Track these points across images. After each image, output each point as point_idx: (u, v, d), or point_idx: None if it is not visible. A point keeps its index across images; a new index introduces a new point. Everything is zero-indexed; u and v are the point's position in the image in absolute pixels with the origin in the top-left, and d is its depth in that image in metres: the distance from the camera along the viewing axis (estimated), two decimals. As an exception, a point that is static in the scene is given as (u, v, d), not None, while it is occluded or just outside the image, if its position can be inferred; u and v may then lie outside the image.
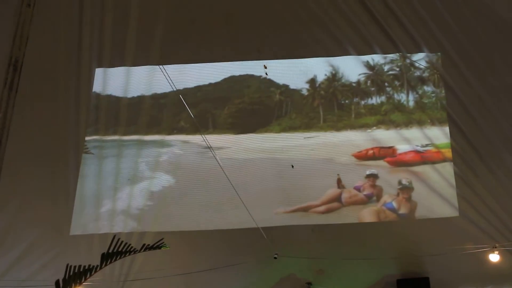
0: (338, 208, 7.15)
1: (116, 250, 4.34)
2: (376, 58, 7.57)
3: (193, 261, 6.77)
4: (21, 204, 6.93)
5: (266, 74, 7.61)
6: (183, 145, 7.55)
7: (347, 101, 7.63)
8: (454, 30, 7.32)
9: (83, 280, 4.16)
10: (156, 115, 7.66)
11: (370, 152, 7.31)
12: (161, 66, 7.34)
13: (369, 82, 7.61)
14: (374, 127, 7.39)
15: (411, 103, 7.46)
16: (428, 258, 6.79)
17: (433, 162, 7.15)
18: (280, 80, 7.70)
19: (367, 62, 7.58)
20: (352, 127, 7.44)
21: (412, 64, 7.51)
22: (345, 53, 7.49)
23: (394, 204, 7.08)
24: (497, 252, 6.61)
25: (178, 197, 7.27)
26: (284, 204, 7.14)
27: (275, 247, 6.82)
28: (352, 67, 7.60)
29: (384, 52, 7.50)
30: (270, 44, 7.60)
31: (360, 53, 7.51)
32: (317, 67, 7.67)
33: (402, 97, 7.51)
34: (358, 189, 7.21)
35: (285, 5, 7.57)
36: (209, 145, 7.18)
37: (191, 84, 7.68)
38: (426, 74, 7.50)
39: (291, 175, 7.24)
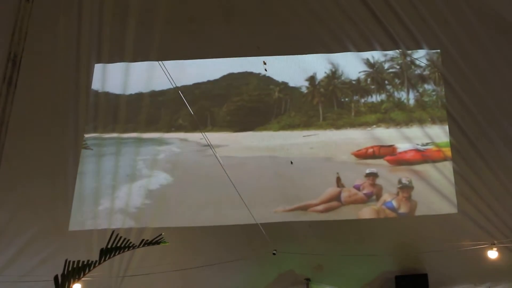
0: (337, 207, 7.13)
1: (115, 246, 4.34)
2: (376, 56, 7.54)
3: (191, 257, 6.77)
4: (20, 200, 6.92)
5: (266, 70, 7.59)
6: (181, 143, 7.51)
7: (347, 99, 7.59)
8: (454, 27, 7.31)
9: (82, 275, 4.18)
10: (154, 113, 7.63)
11: (370, 150, 7.29)
12: (160, 62, 7.34)
13: (369, 80, 7.58)
14: (374, 126, 7.37)
15: (412, 102, 7.44)
16: (426, 254, 6.79)
17: (433, 161, 7.12)
18: (279, 77, 7.67)
19: (367, 59, 7.55)
20: (352, 125, 7.41)
21: (412, 62, 7.49)
22: (345, 49, 7.47)
23: (394, 203, 7.07)
24: (495, 248, 6.62)
25: (176, 195, 7.23)
26: (283, 203, 7.12)
27: (273, 243, 6.82)
28: (352, 65, 7.57)
29: (384, 48, 7.49)
30: (270, 40, 7.58)
31: (359, 49, 7.49)
32: (316, 65, 7.63)
33: (402, 95, 7.48)
34: (357, 188, 7.18)
35: (285, 1, 7.55)
36: (209, 143, 7.17)
37: (189, 81, 7.65)
38: (426, 72, 7.48)
39: (290, 173, 7.23)
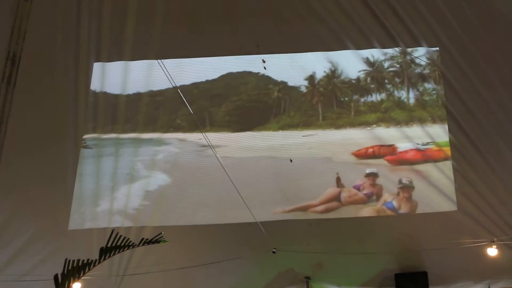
0: (337, 208, 7.11)
1: (114, 245, 4.34)
2: (376, 55, 7.52)
3: (191, 256, 6.77)
4: (20, 198, 6.91)
5: (265, 68, 7.58)
6: (179, 143, 7.48)
7: (346, 99, 7.56)
8: (453, 25, 7.31)
9: (81, 274, 4.17)
10: (152, 113, 7.61)
11: (370, 150, 7.25)
12: (159, 61, 7.34)
13: (369, 79, 7.55)
14: (374, 125, 7.34)
15: (412, 101, 7.41)
16: (426, 252, 6.80)
17: (434, 160, 7.09)
18: (278, 77, 7.65)
19: (367, 58, 7.53)
20: (352, 125, 7.38)
21: (412, 60, 7.48)
22: (344, 47, 7.46)
23: (395, 203, 7.05)
24: (495, 246, 6.63)
25: (175, 196, 7.21)
26: (282, 204, 7.10)
27: (273, 241, 6.82)
28: (351, 64, 7.55)
29: (383, 46, 7.47)
30: (269, 38, 7.57)
31: (358, 47, 7.48)
32: (316, 64, 7.61)
33: (402, 94, 7.45)
34: (357, 188, 7.15)
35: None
36: (209, 144, 7.18)
37: (187, 81, 7.63)
38: (426, 71, 7.46)
39: (289, 174, 7.21)
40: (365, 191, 7.12)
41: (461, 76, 7.20)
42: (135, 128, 7.51)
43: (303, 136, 7.38)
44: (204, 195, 7.18)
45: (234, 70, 7.70)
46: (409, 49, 7.47)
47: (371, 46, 7.48)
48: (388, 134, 7.29)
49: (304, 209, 7.09)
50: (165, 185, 7.28)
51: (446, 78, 7.27)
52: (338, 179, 7.18)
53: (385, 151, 7.25)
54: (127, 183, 7.26)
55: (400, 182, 7.10)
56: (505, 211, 6.77)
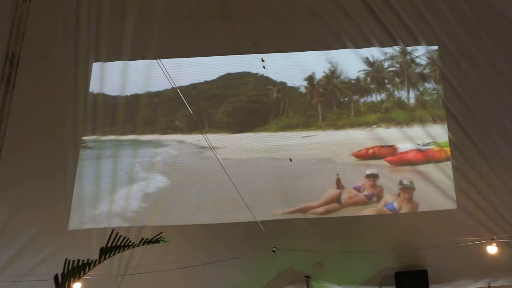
0: (337, 209, 7.07)
1: (114, 245, 4.34)
2: (375, 55, 7.50)
3: (191, 255, 6.78)
4: (20, 199, 6.92)
5: (264, 67, 7.57)
6: (178, 145, 7.45)
7: (346, 99, 7.53)
8: (452, 23, 7.31)
9: (82, 274, 4.17)
10: (151, 115, 7.59)
11: (370, 151, 7.21)
12: (158, 61, 7.34)
13: (369, 79, 7.52)
14: (374, 125, 7.30)
15: (412, 101, 7.39)
16: (426, 250, 6.81)
17: (435, 161, 7.06)
18: (277, 77, 7.63)
19: (367, 58, 7.51)
20: (352, 125, 7.33)
21: (412, 60, 7.46)
22: (343, 46, 7.45)
23: (395, 204, 7.03)
24: (495, 244, 6.63)
25: (174, 197, 7.19)
26: (282, 205, 7.09)
27: (273, 240, 6.82)
28: (351, 64, 7.53)
29: (382, 45, 7.47)
30: (268, 37, 7.57)
31: (357, 46, 7.48)
32: (315, 64, 7.58)
33: (402, 94, 7.42)
34: (358, 189, 7.12)
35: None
36: (210, 145, 7.17)
37: (186, 82, 7.62)
38: (427, 71, 7.43)
39: (289, 175, 7.18)
40: (365, 192, 7.09)
41: (460, 75, 7.20)
42: (133, 130, 7.49)
43: (303, 137, 7.35)
44: (204, 196, 7.16)
45: (233, 71, 7.68)
46: (408, 48, 7.46)
47: (370, 45, 7.47)
48: (388, 134, 7.25)
49: (304, 210, 7.07)
50: (164, 187, 7.25)
51: (445, 76, 7.26)
52: (338, 180, 7.15)
53: (386, 152, 7.21)
54: (126, 185, 7.24)
55: (400, 183, 7.07)
56: (505, 209, 6.78)
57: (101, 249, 4.31)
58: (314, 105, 7.49)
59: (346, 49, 7.51)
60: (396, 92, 7.43)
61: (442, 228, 6.84)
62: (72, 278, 4.07)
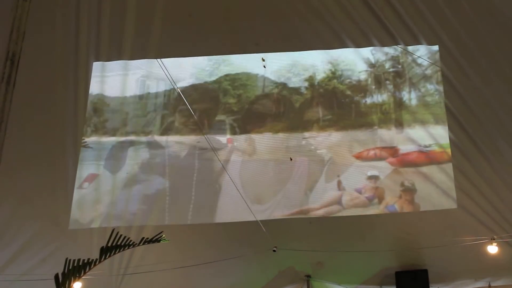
0: (338, 212, 7.06)
1: (115, 244, 4.34)
2: (377, 55, 7.50)
3: (192, 255, 6.78)
4: (20, 199, 6.92)
5: (264, 66, 7.56)
6: (177, 146, 7.43)
7: (347, 100, 7.53)
8: (452, 22, 7.31)
9: (82, 273, 4.17)
10: (151, 115, 7.59)
11: (372, 152, 7.17)
12: (159, 60, 7.34)
13: (370, 79, 7.51)
14: (376, 126, 7.30)
15: (414, 101, 7.36)
16: (426, 250, 6.80)
17: (437, 162, 7.02)
18: (278, 78, 7.63)
19: (368, 59, 7.50)
20: (353, 126, 7.30)
21: (414, 60, 7.44)
22: (343, 45, 7.46)
23: (397, 206, 7.00)
24: (495, 244, 6.62)
25: (174, 198, 7.16)
26: (282, 206, 7.08)
27: (274, 240, 6.82)
28: (352, 64, 7.53)
29: (382, 44, 7.46)
30: (268, 37, 7.56)
31: (358, 45, 7.48)
32: (316, 64, 7.58)
33: (404, 95, 7.40)
34: (359, 191, 7.08)
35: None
36: (211, 146, 7.17)
37: (186, 82, 7.62)
38: (428, 71, 7.41)
39: (290, 176, 7.17)
40: (366, 194, 7.06)
41: (460, 74, 7.20)
42: (134, 130, 7.49)
43: (304, 138, 7.33)
44: (204, 196, 7.15)
45: (234, 71, 7.67)
46: (409, 48, 7.44)
47: (371, 44, 7.47)
48: (389, 135, 7.24)
49: (305, 212, 7.05)
50: (164, 188, 7.21)
51: (445, 75, 7.25)
52: (339, 182, 7.13)
53: (387, 153, 7.18)
54: (126, 186, 7.22)
55: (402, 184, 7.05)
56: (505, 208, 6.78)
57: (102, 248, 4.31)
58: (314, 106, 7.46)
59: (347, 49, 7.51)
60: (397, 93, 7.40)
61: (442, 228, 6.84)
62: (72, 278, 4.07)
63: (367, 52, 7.52)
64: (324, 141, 7.29)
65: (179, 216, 7.07)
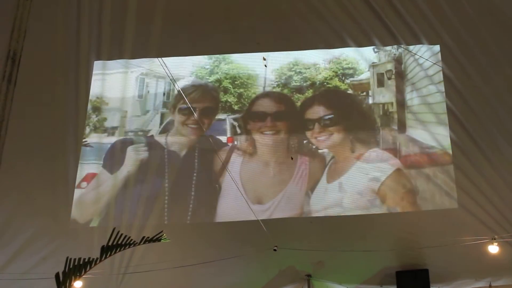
0: (340, 213, 7.03)
1: (115, 243, 4.34)
2: (379, 54, 7.48)
3: (193, 254, 6.77)
4: (21, 197, 6.93)
5: (265, 66, 7.56)
6: (176, 145, 7.40)
7: (349, 99, 7.48)
8: (453, 22, 7.31)
9: (83, 272, 4.16)
10: (150, 116, 7.58)
11: (374, 153, 7.17)
12: (160, 59, 7.34)
13: (372, 79, 7.49)
14: (378, 127, 7.27)
15: (416, 101, 7.33)
16: (427, 250, 6.79)
17: (439, 163, 7.01)
18: (279, 77, 7.59)
19: (370, 58, 7.49)
20: (355, 126, 7.26)
21: (415, 60, 7.41)
22: (344, 44, 7.46)
23: (399, 209, 6.98)
24: (496, 243, 6.60)
25: (174, 197, 7.15)
26: (283, 207, 7.05)
27: (274, 239, 6.82)
28: (354, 63, 7.51)
29: (383, 43, 7.46)
30: (269, 36, 7.56)
31: (359, 45, 7.47)
32: (317, 63, 7.57)
33: (406, 95, 7.36)
34: (360, 193, 7.10)
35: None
36: (213, 146, 7.16)
37: (187, 81, 7.61)
38: (430, 71, 7.38)
39: (291, 177, 7.14)
40: (368, 196, 7.05)
41: (461, 73, 7.19)
42: (132, 130, 7.48)
43: (305, 137, 7.32)
44: (203, 197, 7.14)
45: (235, 70, 7.66)
46: (410, 47, 7.44)
47: (372, 44, 7.47)
48: (392, 136, 7.21)
49: (307, 214, 7.04)
50: (164, 187, 7.19)
51: (446, 75, 7.25)
52: (340, 184, 7.12)
53: (389, 154, 7.14)
54: (124, 186, 7.21)
55: (404, 186, 7.03)
56: (506, 208, 6.76)
57: (102, 247, 4.31)
58: (316, 105, 7.43)
59: (348, 48, 7.50)
60: (399, 93, 7.38)
61: (443, 228, 6.83)
62: (73, 277, 4.06)
63: (369, 51, 7.51)
64: (326, 141, 7.26)
65: (178, 216, 7.05)
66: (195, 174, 7.23)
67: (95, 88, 7.56)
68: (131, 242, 4.43)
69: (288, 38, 7.58)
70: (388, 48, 7.52)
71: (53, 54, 7.42)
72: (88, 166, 7.30)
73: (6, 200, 6.87)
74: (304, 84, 7.55)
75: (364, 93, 7.52)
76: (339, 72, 7.55)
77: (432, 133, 7.14)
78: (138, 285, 6.87)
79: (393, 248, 6.88)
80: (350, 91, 7.51)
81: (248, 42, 7.59)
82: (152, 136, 7.47)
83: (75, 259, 4.11)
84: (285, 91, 7.58)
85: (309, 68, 7.59)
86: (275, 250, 6.81)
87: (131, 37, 7.53)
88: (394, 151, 7.16)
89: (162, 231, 4.57)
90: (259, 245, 6.83)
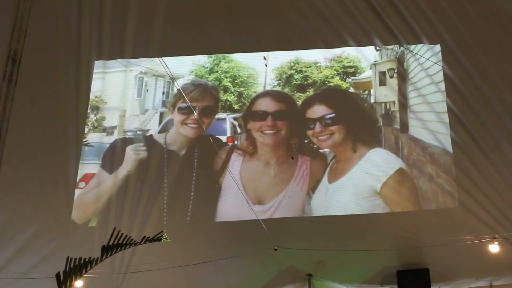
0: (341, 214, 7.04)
1: (116, 243, 4.34)
2: (380, 53, 7.48)
3: (193, 253, 6.77)
4: (21, 196, 6.93)
5: (266, 65, 7.56)
6: (176, 144, 7.37)
7: (350, 98, 7.47)
8: (454, 21, 7.30)
9: (83, 272, 4.17)
10: (148, 113, 7.58)
11: (376, 153, 7.10)
12: (160, 59, 7.34)
13: (373, 77, 7.48)
14: (380, 126, 7.27)
15: (417, 101, 7.33)
16: (428, 249, 6.79)
17: (443, 163, 6.94)
18: (280, 75, 7.58)
19: (372, 56, 7.49)
20: (356, 125, 7.24)
21: (416, 59, 7.41)
22: (345, 44, 7.45)
23: (401, 210, 6.96)
24: (496, 242, 6.60)
25: (175, 197, 7.13)
26: (284, 208, 7.03)
27: (275, 239, 6.82)
28: (356, 61, 7.50)
29: (384, 43, 7.46)
30: (270, 35, 7.56)
31: (359, 44, 7.47)
32: (319, 61, 7.56)
33: (407, 94, 7.34)
34: (362, 193, 6.99)
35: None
36: (214, 146, 7.16)
37: (185, 80, 7.60)
38: (430, 71, 7.36)
39: (291, 176, 7.14)
40: (370, 197, 6.95)
41: (462, 73, 7.19)
42: (131, 129, 7.48)
43: (306, 137, 7.30)
44: (203, 196, 7.13)
45: (234, 68, 7.66)
46: (411, 47, 7.43)
47: (373, 43, 7.46)
48: (393, 135, 7.18)
49: (308, 214, 7.02)
50: (165, 187, 7.17)
51: (447, 74, 7.24)
52: (341, 184, 7.07)
53: (391, 153, 7.12)
54: (123, 186, 7.20)
55: (407, 186, 6.95)
56: (507, 207, 6.75)
57: (103, 247, 4.32)
58: (317, 104, 7.41)
59: (348, 48, 7.50)
60: (400, 92, 7.37)
61: (443, 227, 6.83)
62: (74, 276, 4.06)
63: (370, 49, 7.50)
64: (327, 140, 7.23)
65: (178, 216, 7.05)
66: (194, 174, 7.22)
67: (94, 87, 7.55)
68: (132, 242, 4.43)
69: (289, 37, 7.58)
70: (390, 46, 7.50)
71: (54, 54, 7.42)
72: (88, 166, 7.29)
73: (7, 200, 6.86)
74: (305, 82, 7.54)
75: (366, 92, 7.52)
76: (340, 70, 7.54)
77: (434, 132, 7.12)
78: (138, 284, 6.87)
79: (394, 248, 6.88)
80: (351, 90, 7.51)
81: (248, 42, 7.58)
82: (151, 135, 7.46)
83: (75, 259, 4.11)
84: (286, 89, 7.57)
85: (310, 67, 7.58)
86: (275, 249, 6.81)
87: (132, 36, 7.53)
88: (397, 150, 7.14)
89: (162, 231, 4.57)
90: (259, 244, 6.83)
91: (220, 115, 7.53)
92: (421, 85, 7.36)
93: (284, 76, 7.61)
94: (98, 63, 7.58)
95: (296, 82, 7.57)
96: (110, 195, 7.14)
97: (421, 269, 6.87)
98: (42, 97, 7.32)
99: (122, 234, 4.37)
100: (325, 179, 7.11)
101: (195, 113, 7.37)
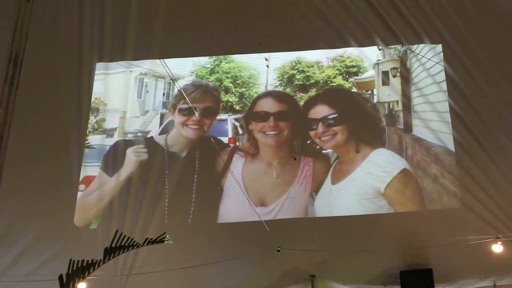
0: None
1: (119, 245, 4.34)
2: (381, 54, 7.47)
3: (196, 255, 6.77)
4: (24, 199, 6.93)
5: (268, 66, 7.55)
6: (177, 146, 7.37)
7: (353, 98, 7.46)
8: (455, 21, 7.30)
9: (86, 274, 4.17)
10: (149, 114, 7.57)
11: (379, 154, 7.10)
12: (161, 60, 7.34)
13: (376, 77, 7.47)
14: (383, 126, 7.26)
15: (419, 100, 7.32)
16: (431, 249, 6.78)
17: (447, 163, 6.94)
18: (281, 75, 7.58)
19: (374, 56, 7.48)
20: (359, 125, 7.23)
21: (418, 60, 7.40)
22: (346, 44, 7.45)
23: (403, 206, 6.95)
24: (500, 242, 6.60)
25: (176, 198, 7.14)
26: (287, 209, 7.02)
27: (277, 240, 6.81)
28: (358, 61, 7.50)
29: (386, 43, 7.45)
30: (271, 36, 7.56)
31: (361, 44, 7.46)
32: (321, 61, 7.56)
33: (409, 94, 7.31)
34: (366, 195, 6.98)
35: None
36: (216, 147, 7.15)
37: (185, 81, 7.61)
38: (432, 71, 7.35)
39: (294, 178, 7.14)
40: (373, 198, 6.96)
41: (464, 73, 7.18)
42: (132, 131, 7.48)
43: (308, 137, 7.29)
44: (204, 198, 7.12)
45: (235, 68, 7.65)
46: (413, 47, 7.42)
47: (374, 44, 7.45)
48: (397, 135, 7.18)
49: (311, 216, 7.01)
50: (166, 188, 7.17)
51: (449, 74, 7.23)
52: (345, 185, 7.05)
53: (394, 153, 7.10)
54: (124, 188, 7.19)
55: (411, 187, 6.93)
56: (510, 207, 6.75)
57: (106, 249, 4.31)
58: (319, 104, 7.39)
59: (349, 48, 7.49)
60: (403, 92, 7.36)
61: (447, 227, 6.82)
62: (76, 278, 4.07)
63: (373, 48, 7.49)
64: (330, 141, 7.21)
65: (180, 218, 7.04)
66: (195, 176, 7.20)
67: (94, 89, 7.55)
68: (134, 244, 4.43)
69: (290, 38, 7.57)
70: (392, 46, 7.49)
71: (55, 56, 7.42)
72: (90, 168, 7.29)
73: (10, 203, 6.86)
74: (308, 82, 7.52)
75: (369, 92, 7.51)
76: (342, 70, 7.52)
77: (436, 132, 7.11)
78: (141, 286, 6.87)
79: (397, 248, 6.87)
80: (354, 90, 7.49)
81: (249, 43, 7.57)
82: (151, 137, 7.45)
83: (78, 261, 4.11)
84: (288, 90, 7.55)
85: (312, 67, 7.58)
86: (278, 250, 6.79)
87: (133, 38, 7.53)
88: (400, 151, 7.12)
89: (165, 233, 4.57)
90: (262, 246, 6.82)
91: (222, 116, 7.52)
92: (423, 85, 7.35)
93: (286, 76, 7.60)
94: (99, 65, 7.58)
95: (298, 82, 7.56)
96: (111, 198, 7.14)
97: (425, 269, 6.87)
98: (44, 99, 7.33)
99: (124, 236, 4.36)
100: (328, 180, 7.09)
101: (196, 114, 7.35)
